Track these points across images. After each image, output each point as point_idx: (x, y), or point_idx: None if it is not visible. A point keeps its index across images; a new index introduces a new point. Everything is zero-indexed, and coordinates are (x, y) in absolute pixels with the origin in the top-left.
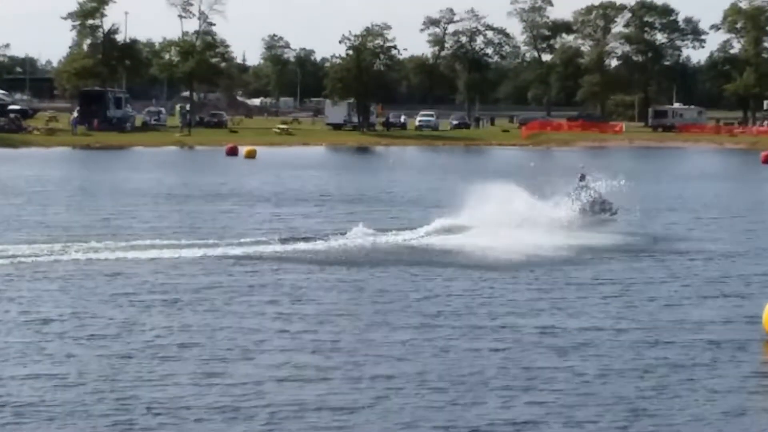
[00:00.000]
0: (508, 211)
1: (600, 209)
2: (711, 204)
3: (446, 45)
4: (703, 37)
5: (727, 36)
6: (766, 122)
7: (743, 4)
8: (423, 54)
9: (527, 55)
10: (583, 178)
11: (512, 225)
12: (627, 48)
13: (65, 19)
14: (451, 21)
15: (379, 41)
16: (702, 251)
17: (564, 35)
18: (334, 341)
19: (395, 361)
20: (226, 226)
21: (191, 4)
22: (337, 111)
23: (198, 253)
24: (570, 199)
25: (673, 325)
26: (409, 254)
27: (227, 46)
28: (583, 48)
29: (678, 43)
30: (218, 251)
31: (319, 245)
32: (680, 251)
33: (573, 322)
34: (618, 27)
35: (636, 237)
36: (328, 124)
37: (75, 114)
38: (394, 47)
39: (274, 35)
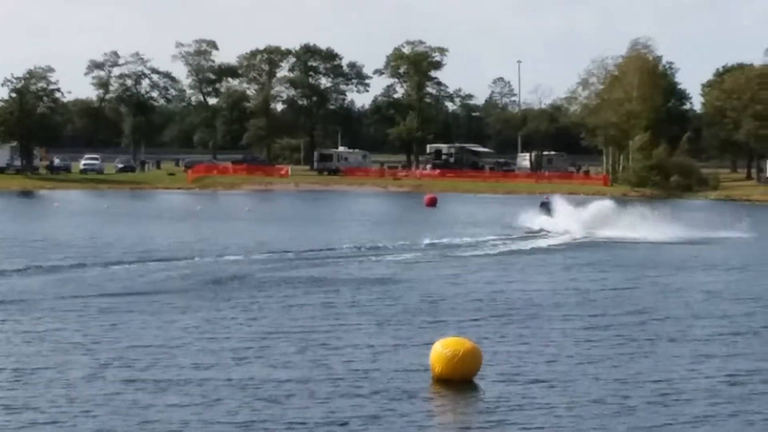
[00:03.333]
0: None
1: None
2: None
3: (111, 88)
4: (367, 81)
5: (391, 81)
6: (428, 165)
7: (406, 50)
8: (88, 97)
9: (193, 98)
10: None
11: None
12: (292, 92)
13: None
14: (115, 64)
15: (42, 84)
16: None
17: (230, 79)
18: None
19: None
20: None
21: None
22: None
23: None
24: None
25: (361, 375)
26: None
27: None
28: (248, 92)
29: (342, 87)
30: None
31: None
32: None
33: (281, 373)
34: (283, 71)
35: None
36: None
37: None
38: (58, 90)
39: None
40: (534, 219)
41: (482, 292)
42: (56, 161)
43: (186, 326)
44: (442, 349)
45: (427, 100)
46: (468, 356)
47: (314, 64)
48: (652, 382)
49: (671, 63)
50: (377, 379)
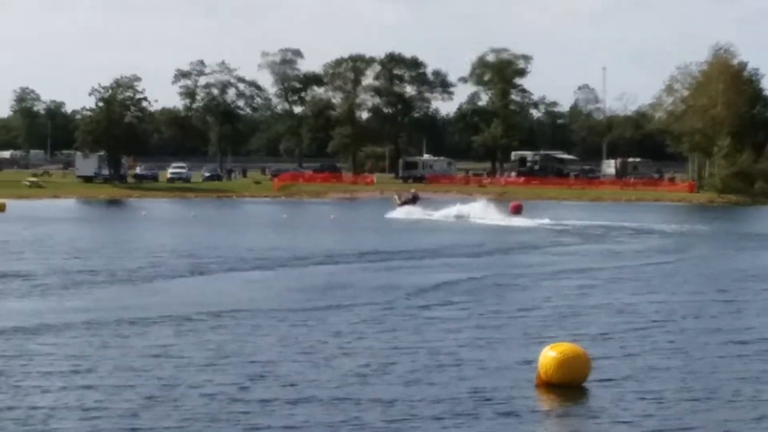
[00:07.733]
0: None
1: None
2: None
3: (198, 97)
4: (451, 89)
5: (475, 88)
6: (513, 173)
7: (490, 58)
8: (174, 106)
9: (279, 107)
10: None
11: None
12: (377, 100)
13: None
14: (202, 73)
15: (129, 93)
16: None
17: (315, 87)
18: None
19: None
20: None
21: None
22: (87, 163)
23: None
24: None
25: (468, 397)
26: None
27: None
28: (333, 100)
29: (427, 95)
30: None
31: None
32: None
33: (410, 391)
34: (368, 79)
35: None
36: (79, 176)
37: None
38: (145, 99)
39: (26, 88)
40: (403, 209)
41: (608, 301)
42: (138, 170)
43: (300, 341)
44: (551, 353)
45: (512, 107)
46: (577, 361)
47: (399, 72)
48: None
49: (757, 69)
50: (485, 393)
